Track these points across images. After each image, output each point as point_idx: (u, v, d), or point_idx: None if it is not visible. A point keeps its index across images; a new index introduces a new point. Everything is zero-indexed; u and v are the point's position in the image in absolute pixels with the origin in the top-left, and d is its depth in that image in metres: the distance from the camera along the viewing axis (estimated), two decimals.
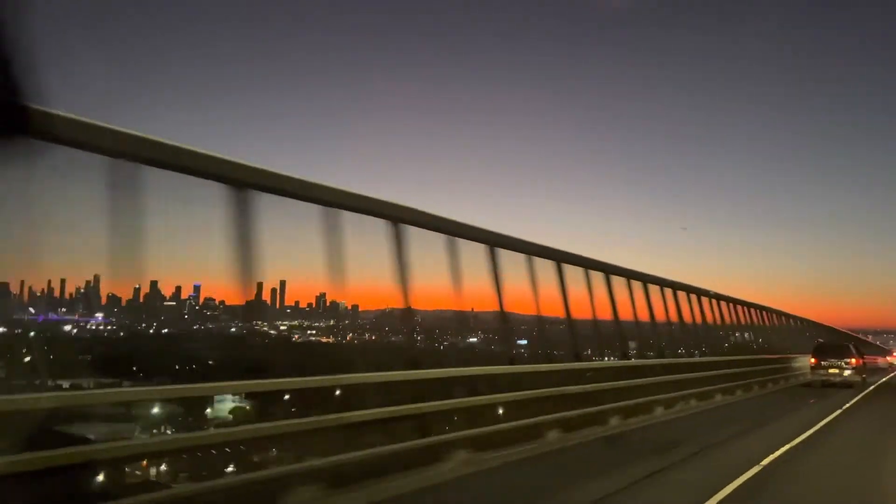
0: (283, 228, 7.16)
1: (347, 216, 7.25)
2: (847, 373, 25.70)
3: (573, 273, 12.09)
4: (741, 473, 7.74)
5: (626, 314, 14.57)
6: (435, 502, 6.71)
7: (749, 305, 25.90)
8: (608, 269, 13.63)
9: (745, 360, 22.80)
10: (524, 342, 11.89)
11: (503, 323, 9.96)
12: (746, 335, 26.17)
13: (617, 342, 14.28)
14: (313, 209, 7.00)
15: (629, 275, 14.74)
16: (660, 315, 16.51)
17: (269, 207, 6.52)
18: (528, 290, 10.68)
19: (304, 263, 8.74)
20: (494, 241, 9.78)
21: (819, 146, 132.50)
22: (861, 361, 27.18)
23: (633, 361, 14.52)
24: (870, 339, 60.31)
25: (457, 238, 9.01)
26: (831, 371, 25.77)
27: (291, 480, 5.89)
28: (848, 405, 17.68)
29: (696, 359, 18.98)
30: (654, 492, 7.10)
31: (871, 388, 25.63)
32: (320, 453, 6.26)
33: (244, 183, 6.14)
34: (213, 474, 5.91)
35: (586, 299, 12.60)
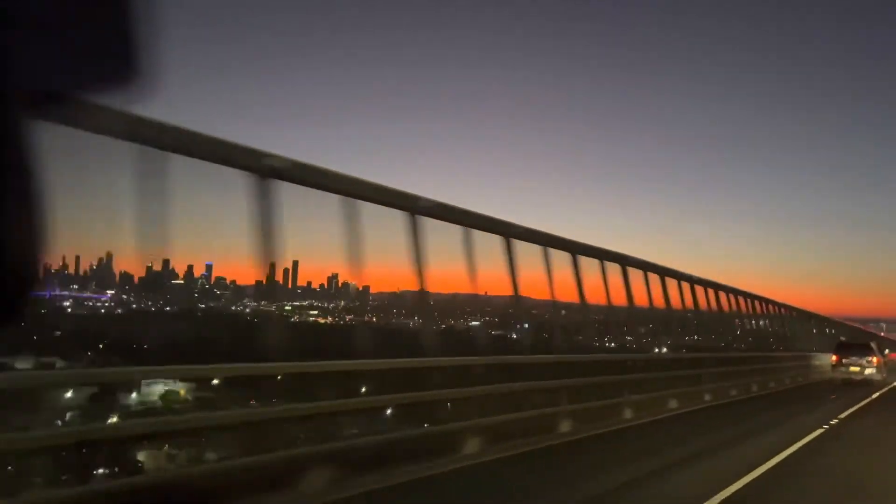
0: (300, 212, 7.23)
1: (367, 206, 7.49)
2: (868, 371, 25.45)
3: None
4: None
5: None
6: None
7: (772, 303, 25.83)
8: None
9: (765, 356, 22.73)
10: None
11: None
12: (768, 329, 26.03)
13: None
14: (332, 198, 7.16)
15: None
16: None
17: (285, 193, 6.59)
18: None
19: (318, 245, 8.83)
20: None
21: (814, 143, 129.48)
22: (882, 360, 26.97)
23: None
24: (884, 328, 59.46)
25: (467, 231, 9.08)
26: (852, 369, 25.50)
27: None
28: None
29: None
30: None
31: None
32: None
33: (263, 170, 6.16)
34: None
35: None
